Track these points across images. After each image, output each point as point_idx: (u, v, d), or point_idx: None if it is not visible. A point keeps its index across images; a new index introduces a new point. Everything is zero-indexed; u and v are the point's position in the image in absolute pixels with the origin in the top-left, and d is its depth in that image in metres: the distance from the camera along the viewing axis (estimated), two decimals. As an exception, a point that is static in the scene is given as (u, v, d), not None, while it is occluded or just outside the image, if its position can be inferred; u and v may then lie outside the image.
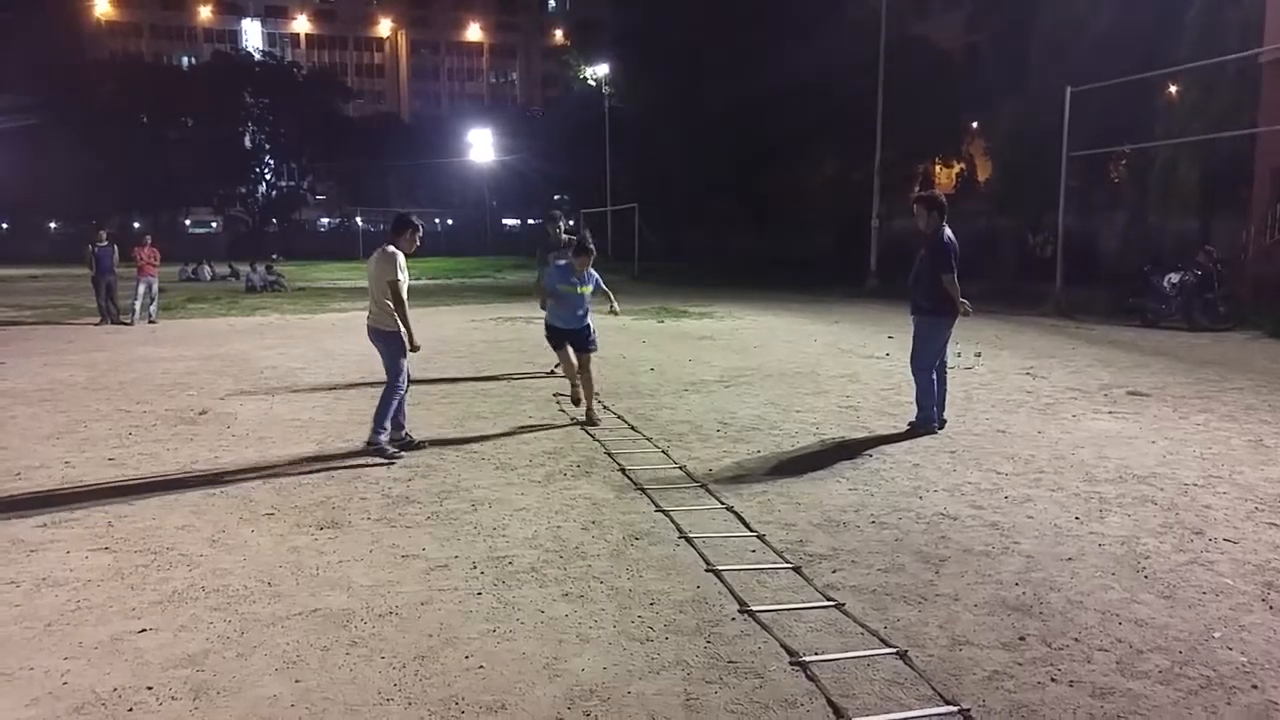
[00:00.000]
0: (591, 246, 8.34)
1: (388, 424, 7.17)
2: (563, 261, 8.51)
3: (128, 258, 18.76)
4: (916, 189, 44.95)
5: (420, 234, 7.42)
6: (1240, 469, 6.73)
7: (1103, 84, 19.52)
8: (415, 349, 7.23)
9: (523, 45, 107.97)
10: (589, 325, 8.56)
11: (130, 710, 3.38)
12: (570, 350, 8.49)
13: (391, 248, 7.19)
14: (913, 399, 8.28)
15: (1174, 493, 6.12)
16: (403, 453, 7.14)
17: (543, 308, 10.33)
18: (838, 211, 36.92)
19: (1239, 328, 16.02)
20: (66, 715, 3.34)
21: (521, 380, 10.82)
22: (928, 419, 8.05)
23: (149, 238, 19.23)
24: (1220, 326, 16.18)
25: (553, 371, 10.61)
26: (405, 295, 7.17)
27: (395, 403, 7.18)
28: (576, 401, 8.69)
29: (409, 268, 7.34)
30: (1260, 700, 3.45)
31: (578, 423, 8.34)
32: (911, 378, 8.36)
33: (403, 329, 7.13)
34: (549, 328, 8.61)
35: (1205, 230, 23.82)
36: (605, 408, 8.87)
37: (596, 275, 8.58)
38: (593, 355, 8.65)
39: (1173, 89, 24.39)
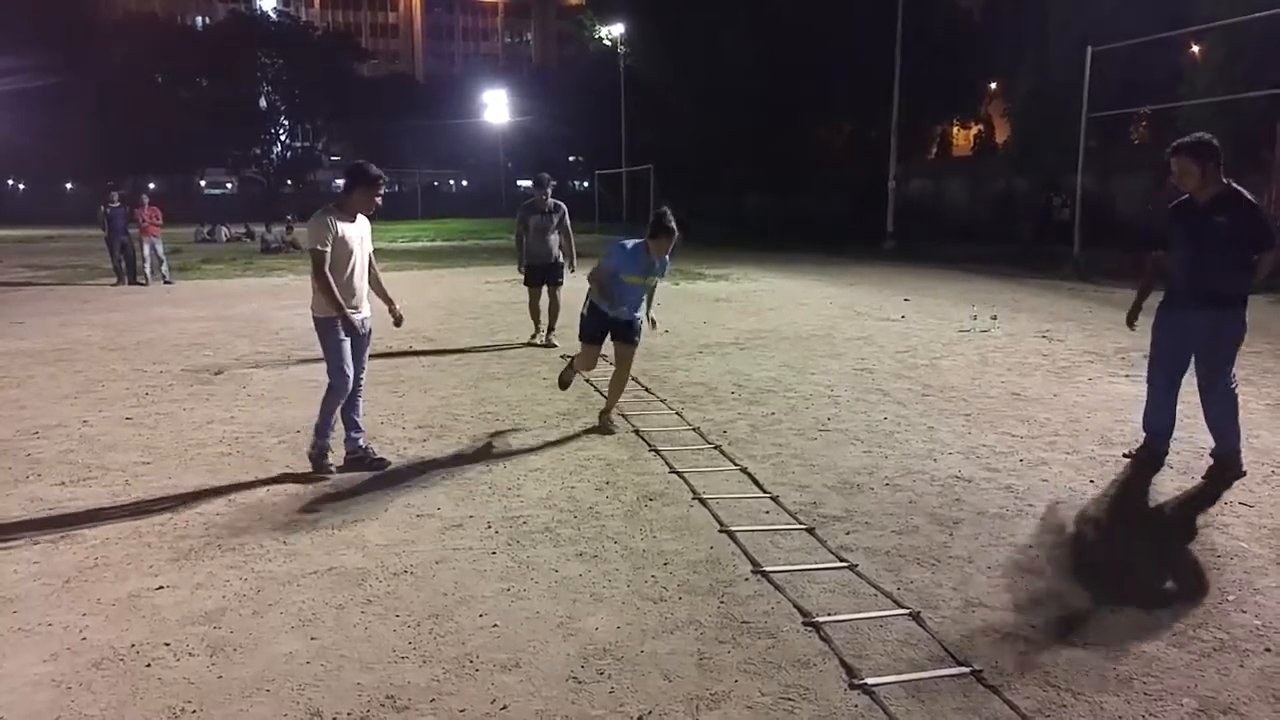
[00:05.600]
0: (673, 225, 6.47)
1: (330, 431, 5.77)
2: (631, 242, 6.62)
3: (134, 219, 18.74)
4: (933, 150, 44.64)
5: (380, 191, 5.72)
6: (1258, 433, 6.67)
7: (1123, 43, 19.20)
8: (350, 333, 5.65)
9: (538, 4, 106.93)
10: (639, 316, 6.86)
11: (148, 666, 3.42)
12: (612, 343, 6.89)
13: (329, 210, 5.64)
14: (926, 362, 8.19)
15: (1190, 456, 6.08)
16: (333, 469, 5.76)
17: (521, 272, 10.54)
18: (854, 173, 36.66)
19: (1259, 291, 15.82)
20: (85, 670, 3.39)
21: (535, 341, 10.80)
22: (1233, 451, 5.74)
23: (146, 198, 19.18)
24: (1240, 290, 15.99)
25: (532, 340, 10.61)
26: (358, 267, 5.72)
27: (336, 407, 5.76)
28: (565, 385, 7.49)
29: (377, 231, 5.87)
30: (1273, 663, 3.44)
31: (590, 430, 6.84)
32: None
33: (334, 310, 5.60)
34: (592, 311, 6.78)
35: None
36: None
37: (667, 259, 6.75)
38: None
39: (1195, 49, 23.98)
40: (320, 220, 5.56)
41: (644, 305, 6.86)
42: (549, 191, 10.32)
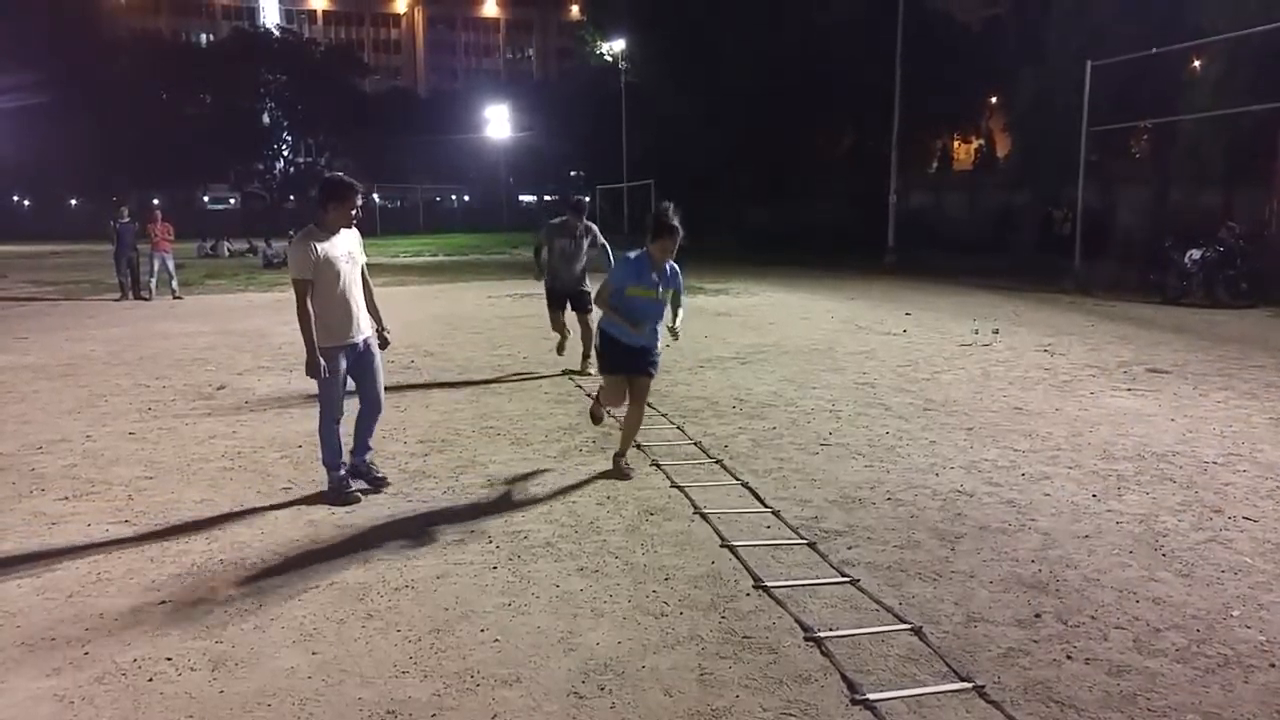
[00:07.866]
0: (674, 222, 5.76)
1: (338, 456, 5.55)
2: (634, 253, 5.98)
3: (145, 234, 18.84)
4: (934, 164, 44.75)
5: (357, 202, 5.39)
6: (1261, 447, 6.67)
7: (1123, 58, 19.27)
8: (310, 373, 5.32)
9: (539, 20, 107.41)
10: (658, 343, 6.04)
11: (150, 680, 3.42)
12: (627, 378, 6.06)
13: (309, 232, 5.29)
14: (928, 376, 8.17)
15: (1193, 471, 6.07)
16: (357, 493, 5.52)
17: (538, 278, 9.87)
18: (855, 186, 36.70)
19: (1261, 304, 15.84)
20: (87, 685, 3.38)
21: (537, 356, 10.80)
22: None
23: (159, 213, 19.20)
24: (1242, 303, 16.02)
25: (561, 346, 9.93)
26: (350, 286, 5.40)
27: (333, 428, 5.49)
28: (597, 420, 6.83)
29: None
30: (1278, 679, 3.43)
31: (604, 474, 6.05)
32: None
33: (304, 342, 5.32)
34: (606, 343, 6.01)
35: (1228, 205, 23.52)
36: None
37: (677, 269, 6.06)
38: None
39: (1196, 62, 24.05)
40: (302, 246, 5.19)
41: (661, 327, 6.02)
42: (584, 220, 9.39)
